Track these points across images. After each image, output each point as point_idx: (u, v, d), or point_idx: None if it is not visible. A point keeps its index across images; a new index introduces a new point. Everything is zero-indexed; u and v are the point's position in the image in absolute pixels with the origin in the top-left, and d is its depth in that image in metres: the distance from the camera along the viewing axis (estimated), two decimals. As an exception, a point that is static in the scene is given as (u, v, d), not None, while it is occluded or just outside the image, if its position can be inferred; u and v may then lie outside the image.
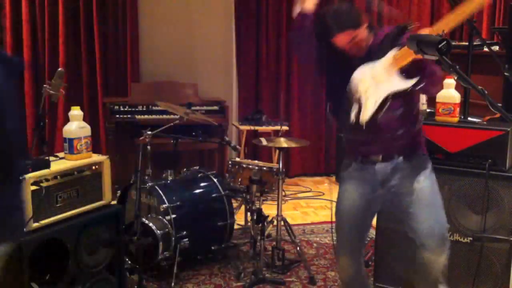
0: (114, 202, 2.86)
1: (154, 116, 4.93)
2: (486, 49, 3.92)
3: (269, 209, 4.36)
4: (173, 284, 3.23)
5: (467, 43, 3.59)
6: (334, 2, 5.56)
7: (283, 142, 3.60)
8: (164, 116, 4.83)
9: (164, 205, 3.33)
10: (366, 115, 2.14)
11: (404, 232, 2.36)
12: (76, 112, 2.60)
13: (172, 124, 3.69)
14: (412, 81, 2.05)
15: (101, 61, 5.16)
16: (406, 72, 2.06)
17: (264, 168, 3.77)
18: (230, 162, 3.95)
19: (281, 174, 3.55)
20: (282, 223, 3.62)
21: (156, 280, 3.36)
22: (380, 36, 2.17)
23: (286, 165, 5.78)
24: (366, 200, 2.35)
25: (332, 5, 2.20)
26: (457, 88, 2.89)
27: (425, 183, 2.29)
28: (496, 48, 4.59)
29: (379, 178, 2.30)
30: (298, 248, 3.57)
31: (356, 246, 2.43)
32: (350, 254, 2.42)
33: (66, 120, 2.78)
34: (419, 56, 1.91)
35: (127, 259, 3.25)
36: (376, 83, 2.12)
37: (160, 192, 3.39)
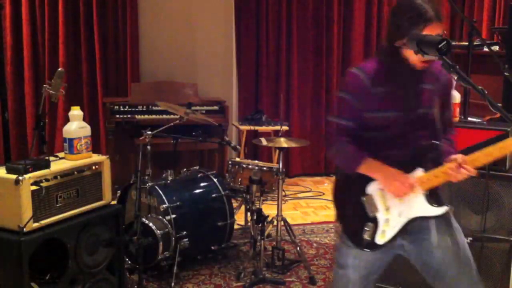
0: (114, 202, 2.86)
1: (154, 116, 4.92)
2: (486, 49, 3.92)
3: (269, 209, 4.35)
4: (173, 284, 3.23)
5: (467, 43, 3.59)
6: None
7: (283, 142, 3.60)
8: (164, 116, 4.83)
9: (164, 205, 3.33)
10: (383, 239, 1.96)
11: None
12: (76, 112, 2.59)
13: (172, 124, 3.68)
14: (441, 209, 1.92)
15: (101, 61, 5.16)
16: (433, 194, 1.93)
17: (264, 168, 3.77)
18: (230, 162, 3.95)
19: (281, 174, 3.54)
20: (282, 223, 3.62)
21: (156, 280, 3.36)
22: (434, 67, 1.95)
23: (286, 165, 5.78)
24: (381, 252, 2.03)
25: None
26: (457, 88, 2.88)
27: (460, 234, 2.01)
28: (496, 48, 4.59)
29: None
30: (298, 248, 3.57)
31: None
32: None
33: (66, 120, 2.78)
34: (449, 178, 1.84)
35: (127, 259, 3.25)
36: (399, 202, 1.95)
37: (160, 192, 3.39)
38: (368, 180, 1.97)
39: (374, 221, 1.97)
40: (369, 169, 1.95)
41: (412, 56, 1.85)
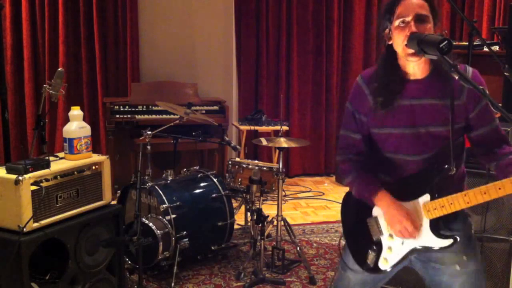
0: (114, 202, 2.85)
1: (154, 116, 4.93)
2: (486, 49, 3.92)
3: (269, 209, 4.36)
4: (173, 284, 3.23)
5: (467, 43, 3.60)
6: None
7: (283, 142, 3.60)
8: (164, 116, 4.83)
9: (164, 205, 3.33)
10: (386, 265, 1.89)
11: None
12: (76, 112, 2.59)
13: (172, 124, 3.69)
14: (448, 241, 1.78)
15: (101, 61, 5.16)
16: (442, 223, 1.82)
17: (264, 168, 3.77)
18: (230, 162, 3.95)
19: (281, 174, 3.54)
20: (282, 223, 3.62)
21: (156, 280, 3.36)
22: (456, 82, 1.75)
23: (286, 165, 5.79)
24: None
25: None
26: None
27: (472, 269, 1.88)
28: (496, 48, 4.59)
29: None
30: (298, 248, 3.57)
31: None
32: None
33: (66, 120, 2.78)
34: (453, 209, 1.74)
35: (127, 259, 3.25)
36: None
37: (160, 192, 3.39)
38: None
39: (378, 245, 1.90)
40: (379, 203, 1.87)
41: (399, 49, 1.80)
